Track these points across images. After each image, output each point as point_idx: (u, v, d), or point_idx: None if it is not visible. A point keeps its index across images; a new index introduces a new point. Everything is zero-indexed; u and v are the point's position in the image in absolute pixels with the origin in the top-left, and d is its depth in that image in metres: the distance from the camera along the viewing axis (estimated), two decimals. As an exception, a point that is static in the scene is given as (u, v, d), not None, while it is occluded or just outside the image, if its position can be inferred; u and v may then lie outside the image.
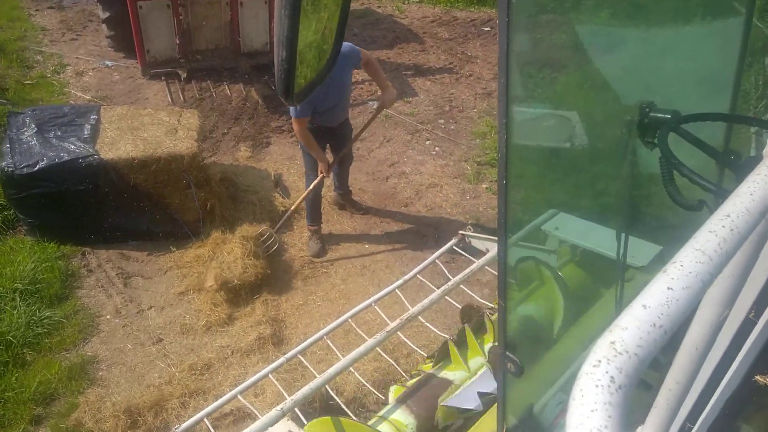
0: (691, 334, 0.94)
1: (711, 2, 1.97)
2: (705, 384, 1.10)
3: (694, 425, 1.17)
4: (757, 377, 1.06)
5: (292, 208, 4.56)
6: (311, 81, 0.97)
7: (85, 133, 4.36)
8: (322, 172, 4.19)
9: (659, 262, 2.17)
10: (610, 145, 2.26)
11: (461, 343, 2.99)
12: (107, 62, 6.95)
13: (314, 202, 4.46)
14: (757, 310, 0.98)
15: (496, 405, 2.03)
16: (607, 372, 0.48)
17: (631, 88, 2.02)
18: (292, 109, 3.86)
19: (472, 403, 2.61)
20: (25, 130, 4.32)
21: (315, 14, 0.97)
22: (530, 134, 2.45)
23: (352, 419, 2.57)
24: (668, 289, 0.54)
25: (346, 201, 4.92)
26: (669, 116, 1.64)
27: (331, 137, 4.29)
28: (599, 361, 0.49)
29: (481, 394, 2.64)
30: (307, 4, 0.90)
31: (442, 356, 2.93)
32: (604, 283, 2.73)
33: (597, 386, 0.47)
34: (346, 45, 3.81)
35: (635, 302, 0.55)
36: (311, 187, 4.30)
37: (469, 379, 2.73)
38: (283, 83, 0.86)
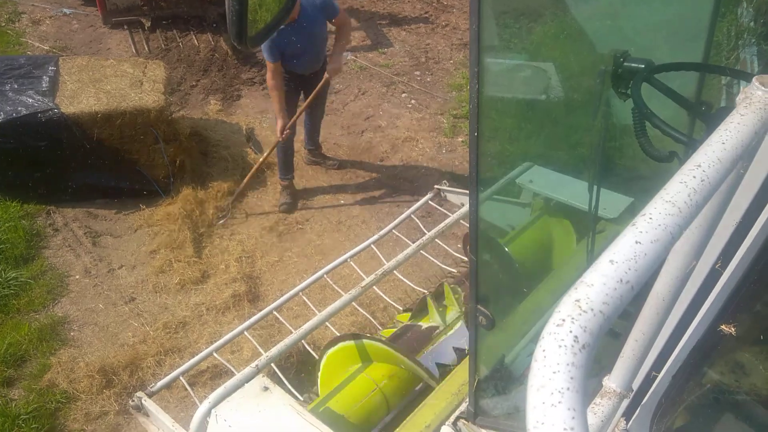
0: (657, 285, 0.94)
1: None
2: (670, 334, 1.11)
3: (659, 373, 1.19)
4: (722, 326, 1.07)
5: (249, 175, 4.38)
6: (267, 24, 0.91)
7: (44, 85, 4.16)
8: (280, 131, 4.07)
9: (630, 213, 2.18)
10: (584, 96, 2.23)
11: (439, 297, 3.02)
12: (65, 10, 6.59)
13: (286, 154, 4.35)
14: (723, 260, 0.98)
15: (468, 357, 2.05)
16: (571, 331, 0.46)
17: (607, 38, 1.98)
18: (264, 53, 3.82)
19: (448, 358, 2.65)
20: (-21, 83, 4.10)
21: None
22: (505, 86, 2.40)
23: (376, 342, 2.60)
24: (636, 243, 0.52)
25: (317, 157, 4.83)
26: (642, 66, 1.61)
27: (303, 85, 4.16)
28: (563, 320, 0.47)
29: (456, 350, 2.68)
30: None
31: (419, 310, 2.95)
32: (576, 235, 2.76)
33: (560, 347, 0.45)
34: None
35: (602, 257, 0.52)
36: (268, 151, 4.27)
37: (445, 333, 2.76)
38: (235, 26, 0.80)
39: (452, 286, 3.00)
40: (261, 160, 4.32)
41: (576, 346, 0.45)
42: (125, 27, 6.25)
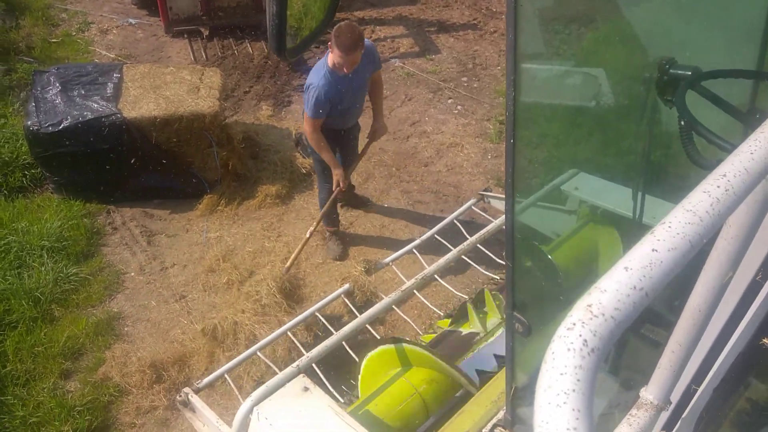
0: (694, 296, 0.92)
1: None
2: (710, 346, 1.08)
3: (699, 387, 1.16)
4: (764, 340, 1.04)
5: (303, 242, 3.89)
6: (309, 34, 0.95)
7: (108, 91, 4.39)
8: (337, 183, 3.73)
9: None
10: (631, 103, 2.19)
11: (479, 303, 3.00)
12: (131, 20, 6.94)
13: (329, 210, 4.00)
14: (764, 272, 0.96)
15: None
16: (580, 335, 0.47)
17: (657, 45, 1.94)
18: (308, 108, 3.45)
19: (489, 365, 2.63)
20: (50, 89, 4.37)
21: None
22: (550, 91, 2.38)
23: (417, 347, 2.61)
24: (653, 250, 0.53)
25: (348, 198, 4.48)
26: (689, 73, 1.58)
27: (339, 141, 3.82)
28: (574, 324, 0.48)
29: (497, 357, 2.66)
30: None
31: (460, 316, 2.95)
32: (623, 244, 2.69)
33: (569, 349, 0.46)
34: (370, 44, 3.50)
35: (618, 264, 0.53)
36: (326, 207, 3.88)
37: (486, 340, 2.75)
38: (275, 39, 0.84)
39: (493, 292, 2.98)
40: (315, 224, 3.90)
41: (585, 349, 0.46)
42: (185, 36, 6.51)
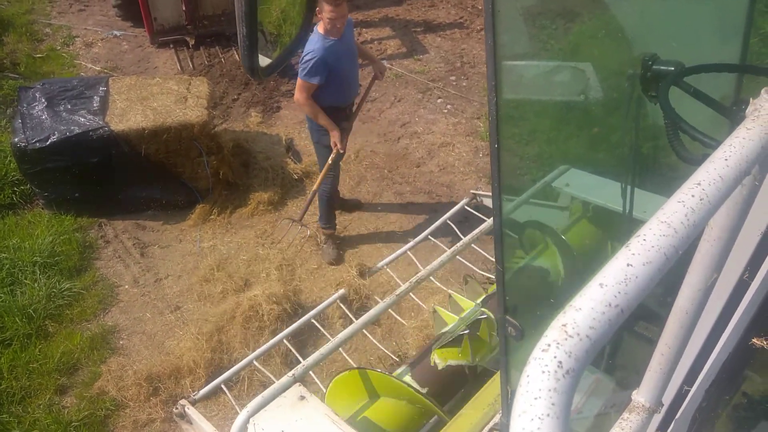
0: (680, 299, 0.91)
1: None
2: (701, 347, 1.07)
3: (691, 388, 1.16)
4: (754, 340, 1.04)
5: (313, 190, 3.97)
6: (285, 49, 0.93)
7: (95, 105, 4.37)
8: (336, 146, 3.73)
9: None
10: (620, 97, 2.19)
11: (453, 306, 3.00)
12: (115, 32, 6.90)
13: (329, 201, 4.06)
14: (750, 271, 0.95)
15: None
16: (555, 357, 0.46)
17: (641, 41, 1.94)
18: (304, 73, 3.48)
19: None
20: (36, 105, 4.34)
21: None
22: (540, 88, 2.37)
23: (377, 371, 2.61)
24: (627, 265, 0.52)
25: (339, 203, 4.44)
26: (672, 68, 1.57)
27: (339, 120, 3.77)
28: (548, 345, 0.47)
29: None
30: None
31: (438, 325, 2.94)
32: (614, 239, 2.69)
33: (543, 372, 0.45)
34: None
35: (593, 280, 0.52)
36: (328, 162, 3.82)
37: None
38: (247, 59, 0.83)
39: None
40: (321, 176, 3.90)
41: (560, 371, 0.45)
42: (171, 46, 6.49)
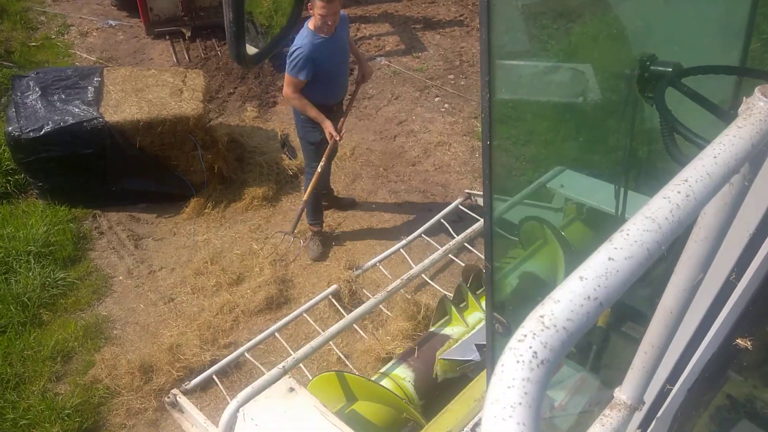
0: (665, 298, 0.92)
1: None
2: (684, 347, 1.08)
3: (673, 387, 1.17)
4: (738, 340, 1.05)
5: (303, 200, 3.95)
6: (275, 37, 0.93)
7: (89, 95, 4.35)
8: (330, 135, 3.66)
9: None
10: (618, 99, 2.20)
11: (460, 300, 3.01)
12: (111, 22, 6.87)
13: (317, 197, 4.03)
14: (738, 272, 0.96)
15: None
16: (530, 347, 0.46)
17: (642, 40, 1.94)
18: (291, 69, 3.45)
19: (471, 354, 2.65)
20: (30, 94, 4.32)
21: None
22: (538, 89, 2.38)
23: (355, 374, 2.63)
24: (609, 259, 0.52)
25: (329, 201, 4.45)
26: (669, 69, 1.58)
27: (329, 118, 3.71)
28: (524, 336, 0.47)
29: (479, 346, 2.67)
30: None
31: (440, 314, 2.95)
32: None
33: (518, 362, 0.46)
34: (342, 12, 3.52)
35: (574, 273, 0.53)
36: (326, 154, 3.78)
37: (468, 334, 2.76)
38: (233, 47, 0.82)
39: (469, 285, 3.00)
40: (318, 170, 3.83)
41: (534, 361, 0.46)
42: (167, 37, 6.46)
